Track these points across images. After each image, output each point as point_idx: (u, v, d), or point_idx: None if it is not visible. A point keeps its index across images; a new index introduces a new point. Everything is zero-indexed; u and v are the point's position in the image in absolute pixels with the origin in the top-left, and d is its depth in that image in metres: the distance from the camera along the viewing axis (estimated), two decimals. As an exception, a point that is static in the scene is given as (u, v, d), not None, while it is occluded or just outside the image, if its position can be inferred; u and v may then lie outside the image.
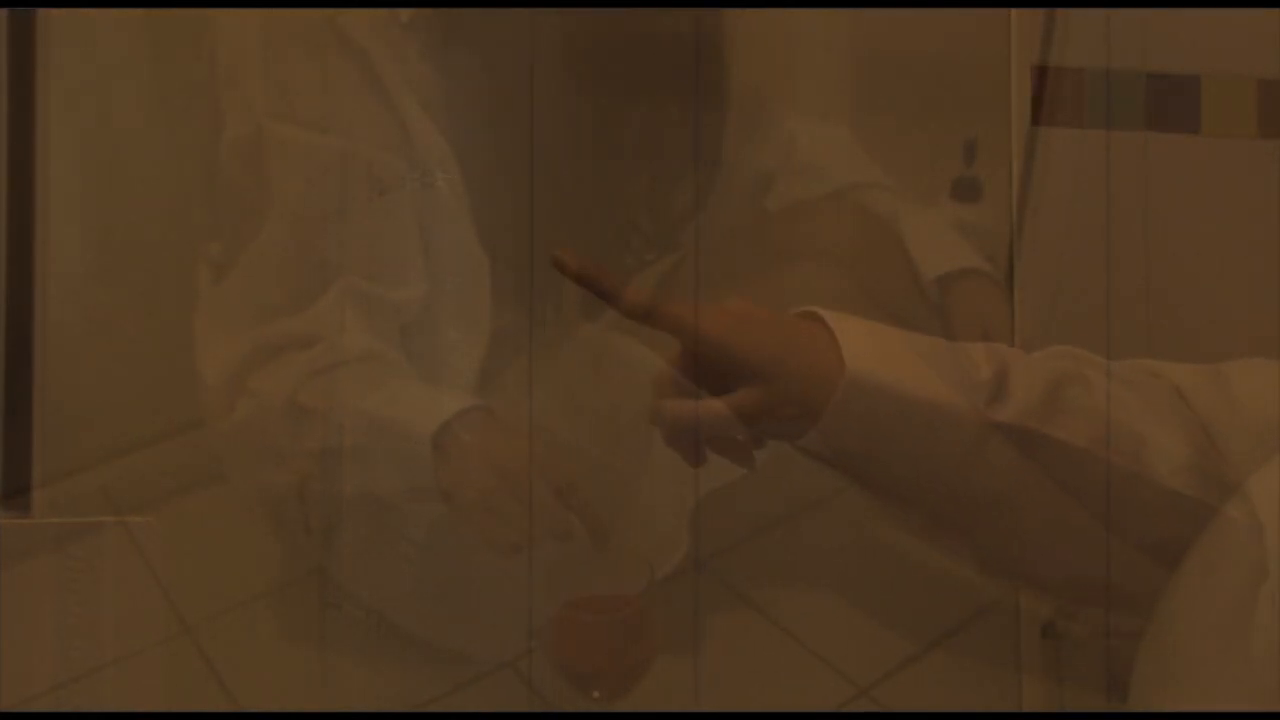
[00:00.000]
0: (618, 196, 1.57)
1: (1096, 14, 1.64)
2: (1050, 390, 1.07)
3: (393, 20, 1.45)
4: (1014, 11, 1.64)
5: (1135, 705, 1.00)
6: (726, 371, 1.05)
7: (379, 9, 1.46)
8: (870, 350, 1.04)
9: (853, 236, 1.64)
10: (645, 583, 1.27)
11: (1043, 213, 1.59)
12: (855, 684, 1.57)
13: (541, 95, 1.43)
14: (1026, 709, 1.54)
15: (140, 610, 1.10)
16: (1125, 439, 1.07)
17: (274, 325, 1.40)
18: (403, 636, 1.47)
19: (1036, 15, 1.65)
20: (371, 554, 1.44)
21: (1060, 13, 1.66)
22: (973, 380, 1.05)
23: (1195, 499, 1.06)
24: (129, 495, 1.42)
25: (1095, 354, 1.13)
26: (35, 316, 1.16)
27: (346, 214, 1.44)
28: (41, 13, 1.27)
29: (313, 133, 1.41)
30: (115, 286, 1.48)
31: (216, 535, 1.46)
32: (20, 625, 1.06)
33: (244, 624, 1.47)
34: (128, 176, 1.48)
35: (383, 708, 1.45)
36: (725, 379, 1.06)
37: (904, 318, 1.14)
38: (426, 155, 1.45)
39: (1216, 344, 1.87)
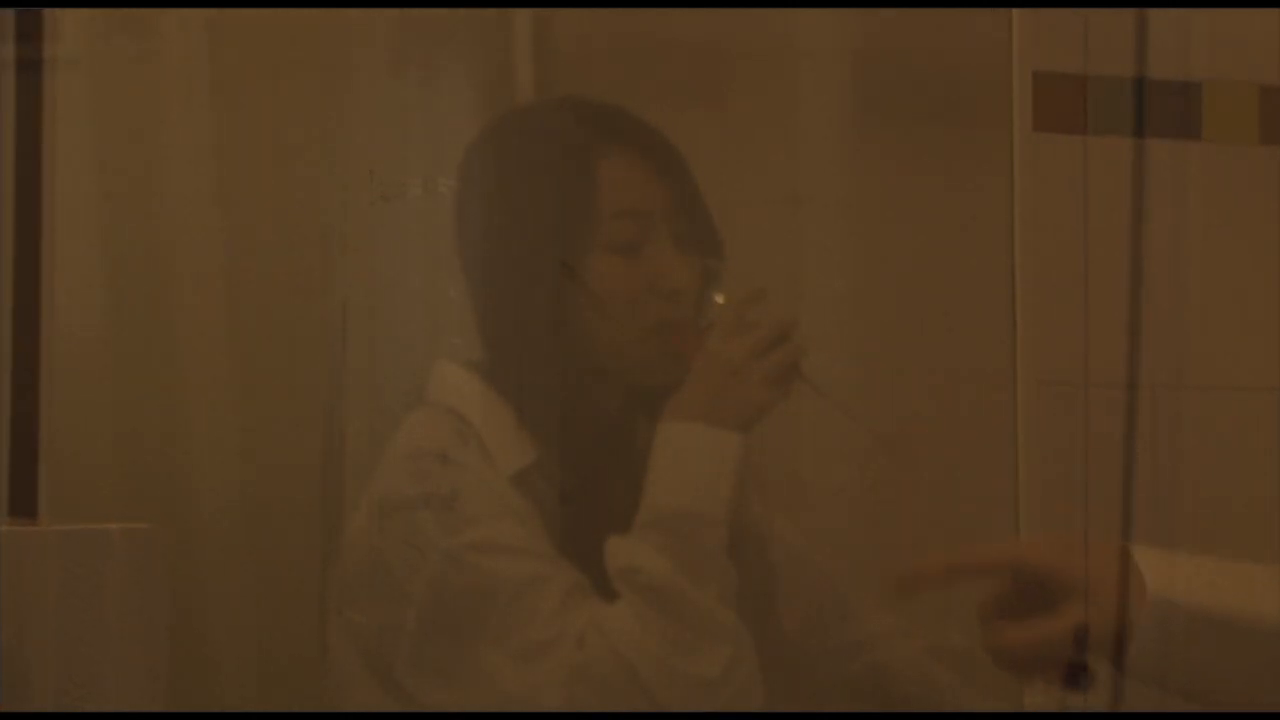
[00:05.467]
0: None
1: (1096, 15, 1.64)
2: None
3: None
4: (1015, 12, 1.63)
5: None
6: (1048, 592, 1.22)
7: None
8: (1168, 572, 1.19)
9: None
10: None
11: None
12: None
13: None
14: (1026, 709, 1.54)
15: (144, 616, 1.10)
16: None
17: None
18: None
19: (1037, 16, 1.65)
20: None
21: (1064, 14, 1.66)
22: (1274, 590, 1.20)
23: None
24: (133, 502, 1.42)
25: None
26: (42, 322, 1.16)
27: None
28: (49, 12, 1.27)
29: None
30: (123, 292, 1.48)
31: (219, 541, 1.46)
32: (24, 631, 1.06)
33: (246, 628, 1.47)
34: (136, 183, 1.49)
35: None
36: (1047, 602, 1.22)
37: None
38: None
39: (1218, 355, 1.87)
